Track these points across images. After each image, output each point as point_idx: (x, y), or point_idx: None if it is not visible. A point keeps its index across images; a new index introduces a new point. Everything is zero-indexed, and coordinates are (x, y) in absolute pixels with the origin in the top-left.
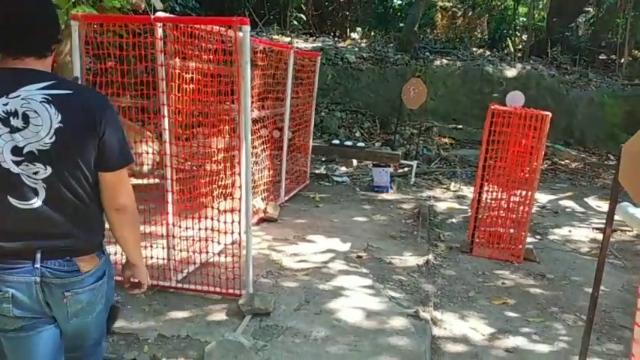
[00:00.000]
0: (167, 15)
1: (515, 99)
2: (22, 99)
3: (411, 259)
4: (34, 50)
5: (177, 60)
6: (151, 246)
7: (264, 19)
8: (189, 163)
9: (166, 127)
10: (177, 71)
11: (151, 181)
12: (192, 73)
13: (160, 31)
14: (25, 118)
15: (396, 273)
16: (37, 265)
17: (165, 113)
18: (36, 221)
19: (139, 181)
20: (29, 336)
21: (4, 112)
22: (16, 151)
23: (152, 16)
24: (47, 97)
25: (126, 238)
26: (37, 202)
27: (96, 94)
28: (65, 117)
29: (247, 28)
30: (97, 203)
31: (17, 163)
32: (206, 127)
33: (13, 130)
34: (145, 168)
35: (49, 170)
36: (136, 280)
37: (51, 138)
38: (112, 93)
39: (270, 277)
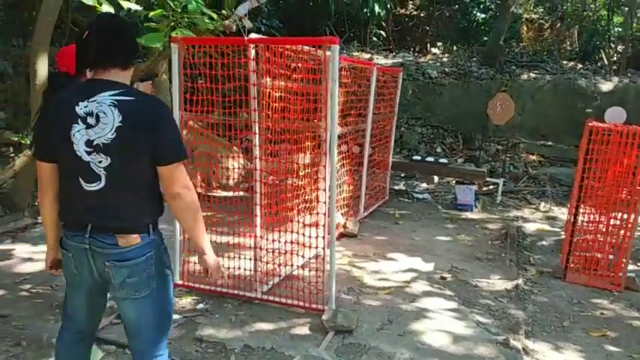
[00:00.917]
0: (259, 36)
1: (616, 115)
2: (97, 102)
3: (499, 283)
4: (119, 64)
5: (267, 79)
6: (239, 257)
7: (345, 36)
8: (273, 177)
9: (257, 143)
10: (268, 90)
11: (237, 194)
12: (282, 92)
13: (252, 52)
14: (97, 118)
15: (482, 297)
16: (87, 235)
17: (257, 130)
18: (95, 201)
19: (226, 194)
20: (75, 288)
21: (84, 112)
22: (88, 143)
23: (246, 38)
24: (114, 101)
25: (184, 223)
26: (98, 186)
27: (154, 101)
28: (125, 118)
29: (336, 47)
30: (151, 191)
31: (88, 153)
32: (293, 143)
33: (88, 126)
34: (231, 182)
35: (109, 160)
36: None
37: (112, 134)
38: (206, 110)
39: (351, 294)
